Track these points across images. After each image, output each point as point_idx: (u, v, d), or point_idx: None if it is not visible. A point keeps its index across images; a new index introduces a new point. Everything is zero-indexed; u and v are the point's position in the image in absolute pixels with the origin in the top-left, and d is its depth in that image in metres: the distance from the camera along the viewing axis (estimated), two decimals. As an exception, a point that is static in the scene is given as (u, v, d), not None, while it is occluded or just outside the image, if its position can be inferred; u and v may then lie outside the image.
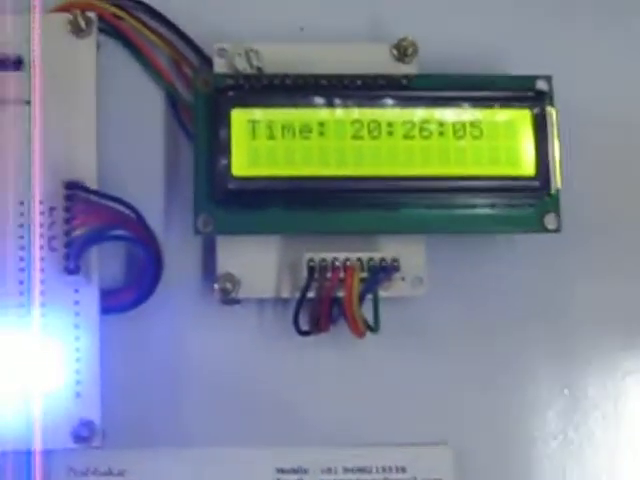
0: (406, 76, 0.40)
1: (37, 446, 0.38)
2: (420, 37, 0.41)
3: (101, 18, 0.41)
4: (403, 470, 0.41)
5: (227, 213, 0.38)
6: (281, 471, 0.40)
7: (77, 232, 0.38)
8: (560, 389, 0.42)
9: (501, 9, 0.44)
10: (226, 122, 0.38)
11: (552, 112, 0.39)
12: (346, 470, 0.40)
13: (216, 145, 0.38)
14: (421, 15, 0.43)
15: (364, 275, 0.39)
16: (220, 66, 0.40)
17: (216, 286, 0.39)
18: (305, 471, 0.40)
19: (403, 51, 0.41)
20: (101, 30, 0.41)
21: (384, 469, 0.40)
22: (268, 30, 0.42)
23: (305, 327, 0.39)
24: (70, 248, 0.38)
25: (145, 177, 0.41)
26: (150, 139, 0.42)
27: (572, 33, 0.44)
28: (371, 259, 0.39)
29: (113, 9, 0.41)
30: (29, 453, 0.38)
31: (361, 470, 0.40)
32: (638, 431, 0.42)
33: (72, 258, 0.38)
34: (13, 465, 0.39)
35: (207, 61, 0.41)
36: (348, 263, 0.38)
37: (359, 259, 0.39)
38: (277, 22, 0.43)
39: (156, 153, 0.42)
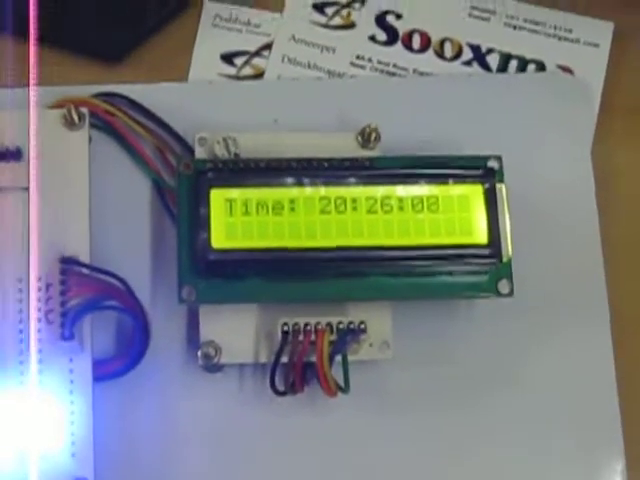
0: (368, 158, 0.43)
1: (34, 503, 0.41)
2: (382, 125, 0.45)
3: (92, 113, 0.45)
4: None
5: (208, 283, 0.42)
6: (265, 527, 0.43)
7: (72, 302, 0.42)
8: (519, 447, 0.44)
9: (455, 99, 0.48)
10: (206, 200, 0.41)
11: (502, 187, 0.43)
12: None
13: (197, 221, 0.41)
14: (382, 106, 0.47)
15: (333, 338, 0.42)
16: (201, 153, 0.44)
17: (199, 353, 0.43)
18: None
19: (367, 137, 0.45)
20: (92, 125, 0.45)
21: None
22: (244, 122, 0.46)
23: (281, 388, 0.43)
24: (65, 317, 0.41)
25: (133, 254, 0.44)
26: (138, 220, 0.45)
27: (519, 117, 0.48)
28: (340, 323, 0.42)
29: (104, 105, 0.45)
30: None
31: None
32: None
33: (67, 326, 0.41)
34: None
35: (189, 149, 0.45)
36: (319, 327, 0.42)
37: (329, 323, 0.42)
38: (253, 115, 0.47)
39: (143, 232, 0.45)
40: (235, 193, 0.42)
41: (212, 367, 0.43)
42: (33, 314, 0.42)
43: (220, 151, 0.44)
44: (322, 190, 0.42)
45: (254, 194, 0.42)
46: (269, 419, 0.44)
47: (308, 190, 0.42)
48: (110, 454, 0.42)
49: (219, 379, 0.44)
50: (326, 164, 0.43)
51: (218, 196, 0.42)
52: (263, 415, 0.44)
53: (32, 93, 0.43)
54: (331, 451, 0.44)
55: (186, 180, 0.43)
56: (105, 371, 0.43)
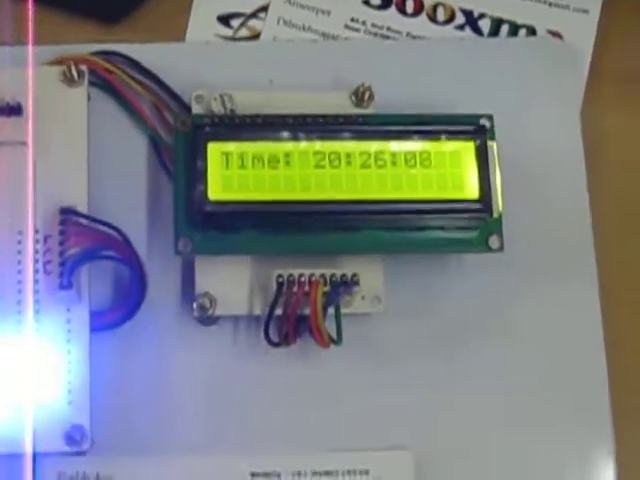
0: (362, 115, 0.44)
1: (31, 448, 0.42)
2: (375, 86, 0.46)
3: (91, 71, 0.46)
4: (366, 473, 0.44)
5: (204, 235, 0.43)
6: (255, 475, 0.44)
7: (70, 252, 0.42)
8: (508, 397, 0.45)
9: (447, 62, 0.49)
10: (203, 154, 0.42)
11: (493, 145, 0.44)
12: (314, 473, 0.44)
13: (194, 174, 0.42)
14: (376, 68, 0.48)
15: (327, 289, 0.43)
16: (197, 110, 0.45)
17: (195, 304, 0.44)
18: (277, 475, 0.44)
19: (361, 96, 0.45)
20: (91, 83, 0.46)
21: (349, 472, 0.44)
22: (240, 82, 0.46)
23: (275, 339, 0.43)
24: (64, 266, 0.42)
25: (129, 208, 0.45)
26: (134, 175, 0.46)
27: (509, 80, 0.49)
28: (333, 275, 0.43)
29: (103, 63, 0.46)
30: (24, 457, 0.42)
31: (328, 473, 0.44)
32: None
33: (66, 275, 0.42)
34: (7, 468, 0.42)
35: (186, 107, 0.46)
36: (312, 278, 0.43)
37: (322, 275, 0.43)
38: (249, 75, 0.47)
39: (139, 187, 0.46)
40: (231, 147, 0.42)
41: (207, 319, 0.44)
42: (30, 264, 0.43)
43: (217, 107, 0.44)
44: (317, 145, 0.43)
45: (250, 148, 0.42)
46: (262, 371, 0.45)
47: (303, 145, 0.43)
48: (106, 402, 0.43)
49: (213, 331, 0.45)
50: (321, 120, 0.43)
51: (215, 149, 0.42)
52: (257, 367, 0.45)
53: (31, 50, 0.44)
54: (323, 402, 0.45)
55: (183, 135, 0.43)
56: (102, 321, 0.44)
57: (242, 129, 0.43)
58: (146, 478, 0.43)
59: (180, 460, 0.44)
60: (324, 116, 0.43)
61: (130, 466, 0.43)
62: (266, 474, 0.44)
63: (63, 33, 0.47)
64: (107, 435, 0.43)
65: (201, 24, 0.49)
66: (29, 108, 0.44)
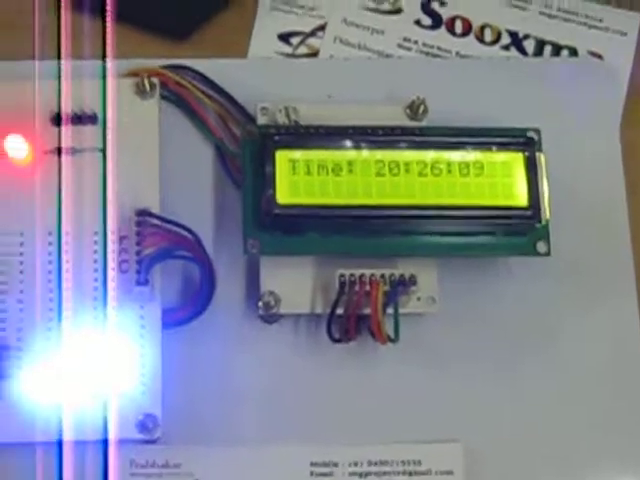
0: (419, 127, 0.47)
1: (108, 436, 0.45)
2: (426, 99, 0.49)
3: (162, 84, 0.49)
4: (419, 463, 0.47)
5: (271, 236, 0.45)
6: (315, 464, 0.46)
7: (146, 251, 0.45)
8: (554, 393, 0.48)
9: (494, 80, 0.52)
10: (271, 161, 0.45)
11: (541, 156, 0.47)
12: (370, 463, 0.47)
13: (262, 179, 0.45)
14: (427, 85, 0.50)
15: (386, 289, 0.46)
16: (262, 121, 0.48)
17: (260, 303, 0.46)
18: (335, 464, 0.47)
19: (415, 110, 0.48)
20: (161, 95, 0.49)
21: (403, 462, 0.47)
22: (300, 97, 0.49)
23: (337, 336, 0.46)
24: (141, 264, 0.45)
25: (197, 211, 0.48)
26: (201, 181, 0.49)
27: (552, 98, 0.52)
28: (392, 275, 0.46)
29: (174, 76, 0.49)
30: (101, 443, 0.45)
31: (383, 463, 0.47)
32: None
33: (143, 272, 0.45)
34: (84, 454, 0.45)
35: (250, 118, 0.49)
36: (373, 278, 0.46)
37: (382, 275, 0.46)
38: (308, 90, 0.50)
39: (206, 192, 0.49)
40: (298, 154, 0.45)
41: (270, 317, 0.47)
42: (108, 263, 0.45)
43: (281, 119, 0.47)
44: (378, 154, 0.46)
45: (315, 156, 0.45)
46: (322, 367, 0.47)
47: (365, 154, 0.46)
48: (176, 394, 0.46)
49: (275, 329, 0.48)
50: (381, 131, 0.46)
51: (283, 157, 0.45)
52: (316, 363, 0.47)
53: (109, 64, 0.47)
54: (379, 396, 0.47)
55: (251, 144, 0.46)
56: (172, 318, 0.46)
57: (308, 138, 0.46)
58: (212, 466, 0.46)
59: (244, 450, 0.46)
60: (384, 127, 0.46)
61: (197, 455, 0.46)
62: (325, 463, 0.46)
63: (134, 49, 0.50)
64: (176, 425, 0.46)
65: (263, 41, 0.52)
66: (109, 117, 0.47)
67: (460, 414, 0.47)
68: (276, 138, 0.46)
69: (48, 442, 0.44)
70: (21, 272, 0.46)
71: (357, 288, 0.45)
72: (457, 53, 0.52)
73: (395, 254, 0.46)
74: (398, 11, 0.53)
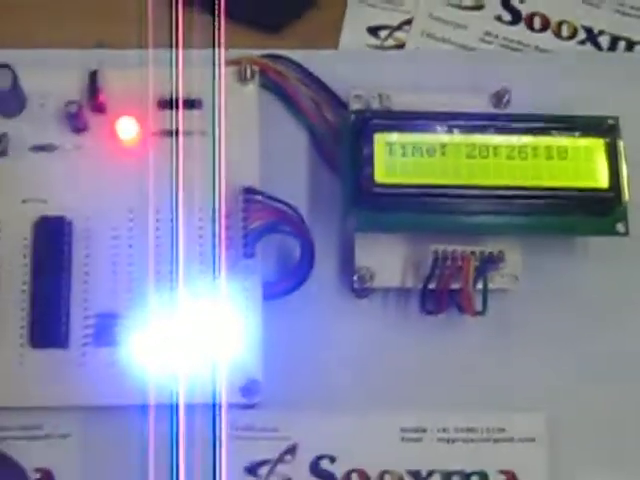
0: (507, 114, 0.50)
1: (220, 399, 0.47)
2: (513, 88, 0.52)
3: (262, 72, 0.52)
4: (503, 431, 0.50)
5: (369, 214, 0.48)
6: (405, 430, 0.49)
7: (253, 226, 0.48)
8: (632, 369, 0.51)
9: (571, 73, 0.55)
10: (370, 143, 0.48)
11: (620, 142, 0.50)
12: (457, 430, 0.49)
13: (362, 160, 0.48)
14: (508, 77, 0.53)
15: (476, 264, 0.49)
16: (355, 107, 0.51)
17: (355, 277, 0.49)
18: (424, 430, 0.49)
19: (500, 98, 0.52)
20: (261, 85, 0.52)
21: (487, 430, 0.50)
22: (389, 86, 0.52)
23: (430, 308, 0.49)
24: (247, 238, 0.48)
25: (293, 190, 0.51)
26: (297, 163, 0.52)
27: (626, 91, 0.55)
28: (482, 252, 0.49)
29: (272, 65, 0.52)
30: (209, 406, 0.47)
31: (469, 430, 0.49)
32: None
33: (249, 245, 0.48)
34: (193, 417, 0.47)
35: (343, 105, 0.52)
36: (464, 254, 0.49)
37: (472, 252, 0.49)
38: (396, 80, 0.53)
39: (302, 173, 0.52)
40: (394, 137, 0.48)
41: (363, 291, 0.50)
42: (217, 238, 0.48)
43: (375, 105, 0.50)
44: (468, 138, 0.49)
45: (410, 139, 0.48)
46: (410, 338, 0.50)
47: (456, 137, 0.49)
48: (274, 361, 0.48)
49: (367, 303, 0.51)
50: (471, 117, 0.49)
51: (380, 139, 0.48)
52: (405, 335, 0.51)
53: (216, 54, 0.50)
54: (465, 367, 0.50)
55: (350, 127, 0.49)
56: (272, 291, 0.49)
57: (403, 122, 0.49)
58: (306, 431, 0.49)
59: (338, 416, 0.49)
60: (474, 114, 0.49)
61: (294, 420, 0.49)
62: (414, 429, 0.49)
63: (233, 40, 0.53)
64: (274, 391, 0.48)
65: (353, 34, 0.55)
66: (215, 102, 0.50)
67: (542, 385, 0.50)
68: (374, 122, 0.49)
69: (158, 405, 0.47)
70: (130, 246, 0.49)
71: (449, 263, 0.48)
72: (536, 47, 0.55)
73: (484, 232, 0.49)
74: (480, 7, 0.56)
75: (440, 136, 0.49)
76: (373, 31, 0.55)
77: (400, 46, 0.55)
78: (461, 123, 0.49)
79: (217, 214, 0.49)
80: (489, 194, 0.48)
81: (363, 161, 0.48)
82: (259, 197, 0.48)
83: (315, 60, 0.53)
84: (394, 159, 0.48)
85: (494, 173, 0.48)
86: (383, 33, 0.55)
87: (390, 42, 0.55)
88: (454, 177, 0.48)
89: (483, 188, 0.48)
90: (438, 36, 0.55)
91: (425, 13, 0.56)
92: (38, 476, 0.48)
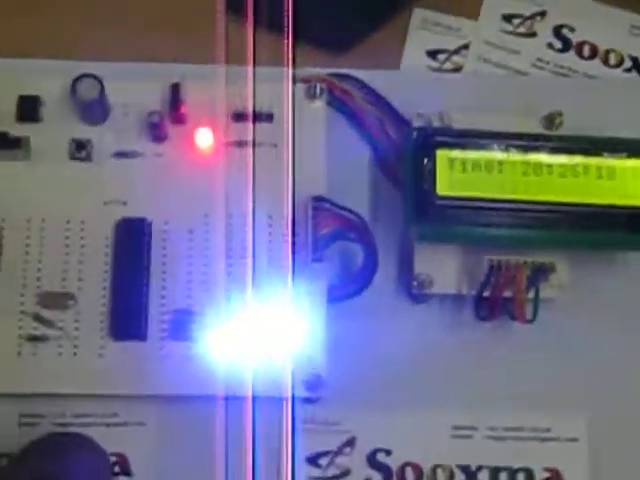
0: (560, 135, 0.54)
1: (286, 393, 0.50)
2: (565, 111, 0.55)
3: (329, 90, 0.56)
4: (548, 430, 0.53)
5: (430, 225, 0.52)
6: (456, 427, 0.53)
7: (322, 232, 0.52)
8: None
9: (618, 99, 0.58)
10: (433, 158, 0.52)
11: (665, 164, 0.53)
12: (506, 429, 0.53)
13: (424, 174, 0.52)
14: (559, 103, 0.56)
15: (528, 274, 0.52)
16: (418, 124, 0.54)
17: (415, 282, 0.53)
18: (475, 428, 0.53)
19: (552, 120, 0.55)
20: (327, 102, 0.56)
21: (534, 429, 0.53)
22: (448, 105, 0.55)
23: (483, 314, 0.53)
24: (317, 243, 0.51)
25: (356, 201, 0.54)
26: (360, 177, 0.56)
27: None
28: (533, 262, 0.52)
29: (337, 82, 0.56)
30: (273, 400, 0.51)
31: (517, 429, 0.53)
32: None
33: (319, 250, 0.51)
34: (260, 409, 0.51)
35: (405, 123, 0.55)
36: (518, 264, 0.52)
37: (525, 262, 0.52)
38: (454, 102, 0.57)
39: (364, 187, 0.56)
40: (455, 154, 0.52)
41: (421, 297, 0.53)
42: (288, 244, 0.52)
43: (436, 123, 0.54)
44: (524, 156, 0.52)
45: (470, 156, 0.52)
46: (464, 342, 0.54)
47: (513, 156, 0.52)
48: (336, 361, 0.52)
49: (423, 308, 0.54)
50: (527, 137, 0.53)
51: (442, 155, 0.52)
52: (459, 339, 0.54)
53: (288, 72, 0.54)
54: (515, 370, 0.54)
55: (413, 144, 0.53)
56: (335, 295, 0.53)
57: (464, 140, 0.52)
58: (365, 426, 0.53)
59: (394, 412, 0.53)
60: (530, 134, 0.53)
61: (353, 415, 0.53)
62: (465, 427, 0.53)
63: (303, 58, 0.56)
64: (335, 388, 0.52)
65: (413, 56, 0.59)
66: (284, 116, 0.54)
67: (585, 388, 0.54)
68: (436, 139, 0.52)
69: (228, 396, 0.50)
70: (205, 248, 0.53)
71: (503, 272, 0.52)
72: (585, 74, 0.59)
73: (535, 245, 0.53)
74: (533, 35, 0.60)
75: (498, 154, 0.52)
76: (432, 54, 0.59)
77: (457, 69, 0.59)
78: (517, 143, 0.52)
79: (288, 220, 0.52)
80: (542, 209, 0.52)
81: (425, 175, 0.52)
82: (327, 205, 0.52)
83: (379, 79, 0.57)
84: (454, 174, 0.52)
85: (547, 190, 0.52)
86: (441, 56, 0.59)
87: (448, 65, 0.59)
88: (510, 192, 0.52)
89: (536, 203, 0.52)
90: (493, 61, 0.59)
91: (481, 39, 0.59)
92: (114, 459, 0.51)
